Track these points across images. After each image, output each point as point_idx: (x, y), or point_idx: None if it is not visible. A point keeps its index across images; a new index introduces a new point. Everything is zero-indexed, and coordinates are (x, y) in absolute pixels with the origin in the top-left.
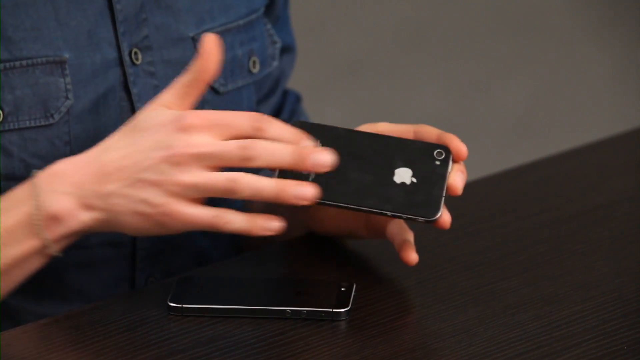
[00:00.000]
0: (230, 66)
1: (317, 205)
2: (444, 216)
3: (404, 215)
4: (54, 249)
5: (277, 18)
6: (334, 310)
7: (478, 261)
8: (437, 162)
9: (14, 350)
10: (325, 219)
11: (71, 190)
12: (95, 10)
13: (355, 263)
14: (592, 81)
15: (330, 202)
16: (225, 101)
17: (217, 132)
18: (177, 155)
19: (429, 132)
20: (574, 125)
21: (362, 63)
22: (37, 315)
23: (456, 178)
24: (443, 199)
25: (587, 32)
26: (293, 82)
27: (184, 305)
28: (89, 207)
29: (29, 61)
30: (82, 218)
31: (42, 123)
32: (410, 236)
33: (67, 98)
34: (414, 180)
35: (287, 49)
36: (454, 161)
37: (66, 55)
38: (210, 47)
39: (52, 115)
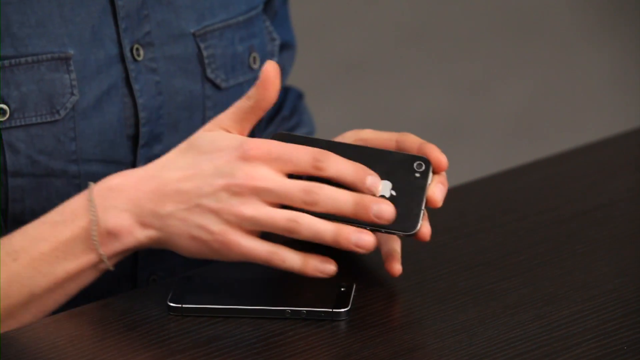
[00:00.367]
0: (231, 62)
1: None
2: (423, 229)
3: (383, 230)
4: (109, 264)
5: (275, 14)
6: (334, 310)
7: (478, 261)
8: (417, 174)
9: (14, 350)
10: None
11: (128, 207)
12: (98, 7)
13: (355, 263)
14: (592, 81)
15: (321, 214)
16: (226, 97)
17: (277, 166)
18: (238, 185)
19: (411, 142)
20: (574, 125)
21: (362, 63)
22: None
23: (435, 190)
24: (422, 212)
25: (586, 32)
26: (293, 82)
27: (183, 305)
28: (145, 225)
29: (34, 57)
30: (139, 236)
31: (48, 119)
32: (397, 245)
33: (72, 94)
34: (394, 193)
35: (287, 46)
36: (435, 172)
37: (71, 52)
38: (271, 75)
39: (57, 112)
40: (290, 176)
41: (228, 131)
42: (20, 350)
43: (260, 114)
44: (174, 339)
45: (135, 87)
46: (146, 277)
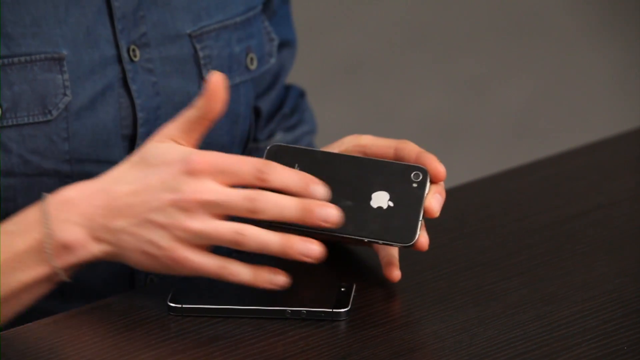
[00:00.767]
0: (228, 63)
1: (295, 233)
2: (421, 239)
3: (380, 242)
4: (63, 276)
5: (274, 13)
6: (334, 310)
7: (478, 261)
8: (415, 185)
9: (14, 350)
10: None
11: (81, 222)
12: (94, 8)
13: (355, 263)
14: (592, 81)
15: (308, 230)
16: None
17: (222, 178)
18: (184, 200)
19: (410, 151)
20: (574, 125)
21: (362, 63)
22: (37, 315)
23: (432, 201)
24: (420, 222)
25: (586, 32)
26: (293, 82)
27: (183, 306)
28: (99, 239)
29: (27, 57)
30: (92, 250)
31: (41, 119)
32: (394, 251)
33: (65, 95)
34: (391, 204)
35: (287, 44)
36: (432, 182)
37: (64, 52)
38: (216, 87)
39: (50, 112)
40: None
41: (177, 142)
42: (20, 350)
43: (207, 124)
44: (174, 339)
45: (133, 87)
46: (143, 279)
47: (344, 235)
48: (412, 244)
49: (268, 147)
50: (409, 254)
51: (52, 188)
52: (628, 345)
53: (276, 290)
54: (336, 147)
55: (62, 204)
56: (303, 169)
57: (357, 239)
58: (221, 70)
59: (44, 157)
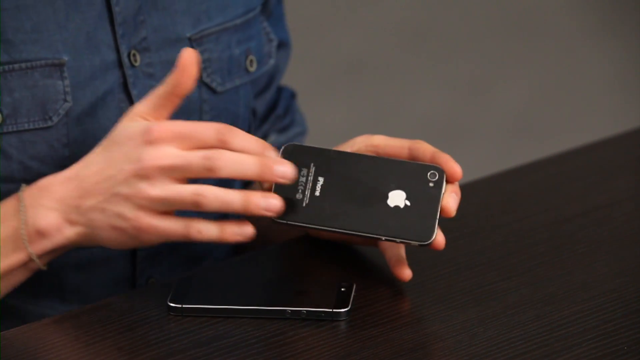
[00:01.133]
0: (228, 65)
1: (311, 230)
2: (438, 238)
3: (398, 240)
4: (39, 263)
5: (270, 14)
6: (334, 310)
7: (478, 261)
8: (431, 184)
9: (14, 350)
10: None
11: (55, 206)
12: (94, 13)
13: (355, 263)
14: (592, 81)
15: (324, 227)
16: (222, 100)
17: (182, 143)
18: (145, 168)
19: (424, 150)
20: (574, 125)
21: (362, 63)
22: (37, 315)
23: (449, 200)
24: (437, 221)
25: (587, 32)
26: (294, 82)
27: (183, 306)
28: (72, 222)
29: (28, 64)
30: (67, 233)
31: (41, 125)
32: (402, 250)
33: (65, 100)
34: (408, 203)
35: (282, 45)
36: (448, 182)
37: (65, 58)
38: (187, 62)
39: (50, 118)
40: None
41: (145, 119)
42: (20, 350)
43: (176, 101)
44: (174, 339)
45: (134, 92)
46: (144, 281)
47: (361, 234)
48: (430, 243)
49: (284, 147)
50: (408, 254)
51: None
52: (628, 345)
53: (276, 290)
54: (348, 147)
55: (37, 191)
56: (319, 168)
57: (375, 237)
58: (221, 73)
59: (44, 163)
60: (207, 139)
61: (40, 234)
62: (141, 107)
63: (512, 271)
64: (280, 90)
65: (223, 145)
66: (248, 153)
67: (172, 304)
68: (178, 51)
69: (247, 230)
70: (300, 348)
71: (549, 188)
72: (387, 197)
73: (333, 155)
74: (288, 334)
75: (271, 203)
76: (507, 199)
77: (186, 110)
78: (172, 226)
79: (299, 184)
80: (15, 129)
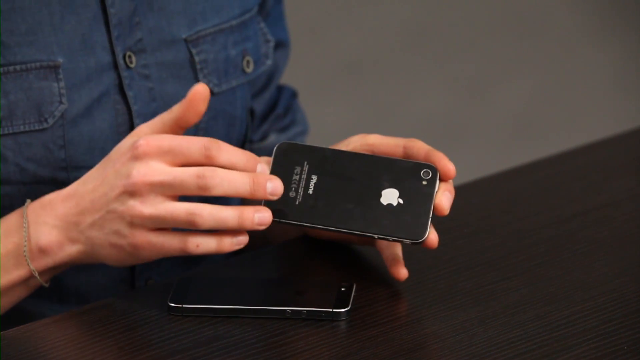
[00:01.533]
0: (224, 67)
1: (306, 228)
2: (431, 236)
3: (390, 238)
4: (41, 280)
5: (268, 14)
6: (334, 310)
7: (478, 261)
8: (424, 182)
9: (14, 350)
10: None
11: (57, 223)
12: (89, 15)
13: (355, 263)
14: (592, 81)
15: (317, 225)
16: (219, 101)
17: (169, 159)
18: (134, 184)
19: (419, 149)
20: (574, 125)
21: (362, 63)
22: (37, 315)
23: (442, 198)
24: (430, 220)
25: (587, 32)
26: (294, 82)
27: (184, 306)
28: (72, 240)
29: (23, 66)
30: (68, 251)
31: (36, 127)
32: (398, 249)
33: (61, 102)
34: (401, 201)
35: (281, 45)
36: (442, 180)
37: (60, 60)
38: (197, 97)
39: (46, 120)
40: None
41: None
42: (20, 350)
43: (179, 130)
44: (174, 339)
45: (129, 93)
46: (143, 282)
47: (354, 232)
48: (423, 241)
49: (277, 145)
50: (409, 254)
51: None
52: (628, 345)
53: (276, 290)
54: (343, 147)
55: (40, 208)
56: (313, 166)
57: (367, 235)
58: (217, 74)
59: (40, 165)
60: (193, 155)
61: (42, 251)
62: (145, 127)
63: (512, 271)
64: (281, 89)
65: (210, 161)
66: (236, 168)
67: (172, 304)
68: (174, 52)
69: (243, 240)
70: (300, 348)
71: (549, 188)
72: (380, 195)
73: (327, 154)
74: (288, 334)
75: (264, 217)
76: (507, 199)
77: None
78: (169, 242)
79: (292, 182)
80: (10, 131)
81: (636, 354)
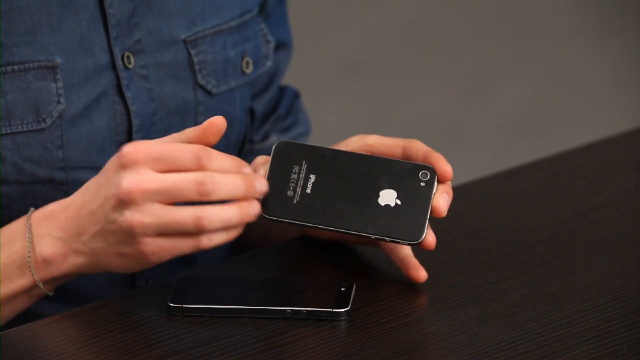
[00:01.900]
0: (223, 67)
1: (305, 227)
2: (428, 237)
3: (388, 239)
4: (45, 289)
5: (269, 15)
6: (334, 310)
7: (478, 261)
8: (422, 184)
9: (14, 350)
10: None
11: (60, 235)
12: (88, 16)
13: (355, 263)
14: (591, 81)
15: (314, 225)
16: (218, 102)
17: (159, 166)
18: (127, 193)
19: (417, 150)
20: (574, 125)
21: (362, 63)
22: (37, 315)
23: (440, 200)
24: (427, 221)
25: (586, 32)
26: (294, 82)
27: (184, 306)
28: (76, 251)
29: (21, 66)
30: (73, 262)
31: (34, 127)
32: (409, 250)
33: (59, 102)
34: (399, 202)
35: (283, 45)
36: (439, 182)
37: (58, 60)
38: (215, 128)
39: (44, 120)
40: None
41: None
42: (20, 350)
43: None
44: (174, 339)
45: (128, 94)
46: (144, 283)
47: (352, 232)
48: (420, 242)
49: (276, 144)
50: None
51: (47, 196)
52: (628, 345)
53: (276, 290)
54: (342, 147)
55: (43, 219)
56: (311, 165)
57: (364, 235)
58: (216, 75)
59: (39, 165)
60: (184, 163)
61: (47, 262)
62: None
63: (512, 271)
64: (283, 90)
65: (201, 169)
66: (226, 173)
67: (172, 304)
68: (172, 53)
69: (255, 207)
70: (300, 348)
71: (548, 188)
72: (378, 196)
73: (325, 153)
74: (288, 334)
75: (257, 208)
76: (507, 199)
77: (181, 112)
78: (181, 242)
79: (291, 181)
80: (9, 131)
81: (636, 353)
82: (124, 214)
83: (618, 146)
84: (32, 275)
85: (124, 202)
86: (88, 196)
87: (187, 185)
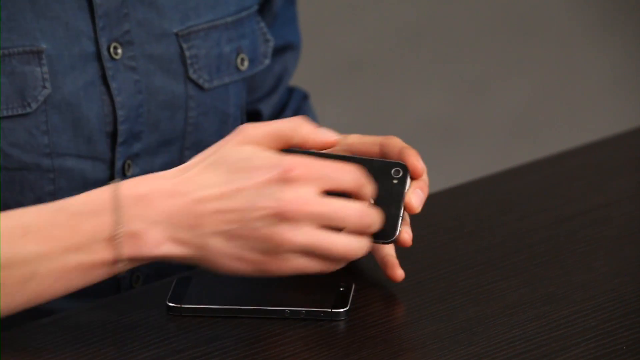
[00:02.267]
0: (216, 63)
1: None
2: (404, 234)
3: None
4: (123, 267)
5: (276, 16)
6: (333, 310)
7: (478, 261)
8: (395, 181)
9: (14, 350)
10: None
11: (162, 220)
12: (74, 4)
13: (355, 263)
14: (591, 81)
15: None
16: (210, 97)
17: (321, 185)
18: (289, 210)
19: (394, 146)
20: (574, 125)
21: (362, 63)
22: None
23: (412, 197)
24: (400, 218)
25: (586, 32)
26: (293, 82)
27: (183, 305)
28: (179, 242)
29: (5, 51)
30: (166, 250)
31: (19, 112)
32: (391, 250)
33: (44, 87)
34: (372, 200)
35: (291, 47)
36: (413, 178)
37: (43, 46)
38: (324, 141)
39: (29, 104)
40: None
41: (260, 146)
42: (20, 350)
43: (293, 144)
44: (174, 339)
45: (113, 85)
46: (142, 282)
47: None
48: (394, 240)
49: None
50: (408, 254)
51: (34, 183)
52: (627, 345)
53: (275, 290)
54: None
55: (137, 199)
56: None
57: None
58: (209, 70)
59: (24, 150)
60: (346, 185)
61: (138, 243)
62: (257, 133)
63: (512, 271)
64: (291, 91)
65: (359, 196)
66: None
67: (171, 304)
68: (164, 46)
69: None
70: (299, 348)
71: (548, 188)
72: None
73: (300, 154)
74: (287, 334)
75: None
76: (506, 199)
77: (171, 105)
78: (314, 264)
79: None
80: None
81: (635, 353)
82: (278, 227)
83: (617, 146)
84: (119, 249)
85: (281, 217)
86: (213, 192)
87: (352, 216)
